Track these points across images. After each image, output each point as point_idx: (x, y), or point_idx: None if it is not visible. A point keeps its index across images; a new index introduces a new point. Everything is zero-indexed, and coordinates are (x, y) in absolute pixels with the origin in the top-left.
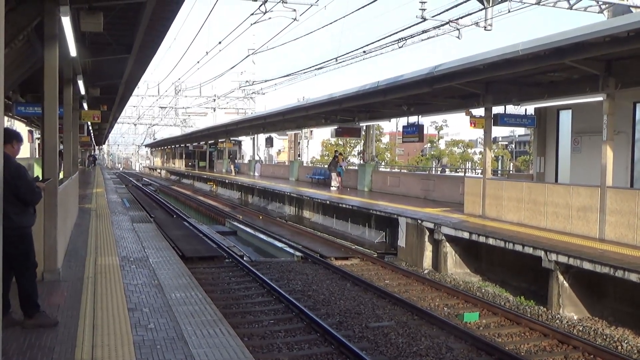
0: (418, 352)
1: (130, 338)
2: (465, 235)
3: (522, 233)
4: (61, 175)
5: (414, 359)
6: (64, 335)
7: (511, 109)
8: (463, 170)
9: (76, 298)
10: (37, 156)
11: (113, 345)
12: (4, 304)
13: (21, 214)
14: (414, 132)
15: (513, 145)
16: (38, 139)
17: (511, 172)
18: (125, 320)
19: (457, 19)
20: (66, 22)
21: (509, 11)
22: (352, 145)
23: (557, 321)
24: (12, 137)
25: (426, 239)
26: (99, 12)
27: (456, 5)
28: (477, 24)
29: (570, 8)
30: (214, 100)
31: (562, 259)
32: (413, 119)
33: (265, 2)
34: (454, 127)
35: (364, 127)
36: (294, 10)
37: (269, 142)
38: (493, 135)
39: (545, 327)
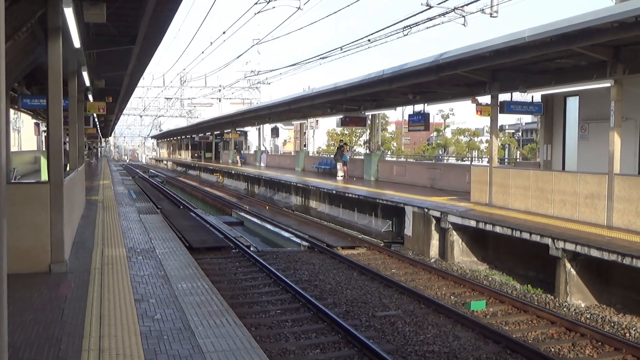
0: (425, 341)
1: (137, 329)
2: (472, 223)
3: (529, 221)
4: (67, 168)
5: (421, 348)
6: (71, 326)
7: (518, 96)
8: (469, 158)
9: (83, 289)
10: (43, 148)
11: (120, 336)
12: None
13: None
14: (420, 121)
15: (520, 133)
16: (44, 131)
17: (518, 160)
18: (132, 311)
19: (463, 6)
20: (69, 13)
21: None
22: (358, 134)
23: (565, 309)
24: None
25: (433, 227)
26: (102, 3)
27: None
28: (482, 10)
29: None
30: (220, 90)
31: (570, 246)
32: (419, 107)
33: None
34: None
35: (370, 116)
36: None
37: (275, 133)
38: (500, 123)
39: (553, 314)
